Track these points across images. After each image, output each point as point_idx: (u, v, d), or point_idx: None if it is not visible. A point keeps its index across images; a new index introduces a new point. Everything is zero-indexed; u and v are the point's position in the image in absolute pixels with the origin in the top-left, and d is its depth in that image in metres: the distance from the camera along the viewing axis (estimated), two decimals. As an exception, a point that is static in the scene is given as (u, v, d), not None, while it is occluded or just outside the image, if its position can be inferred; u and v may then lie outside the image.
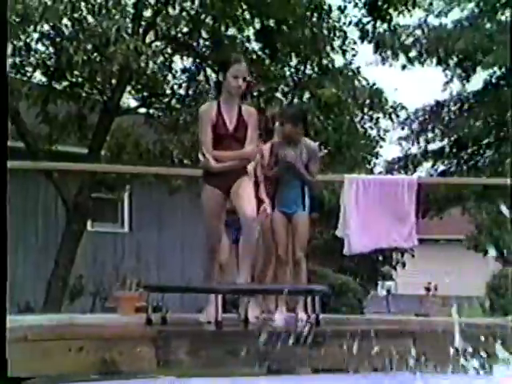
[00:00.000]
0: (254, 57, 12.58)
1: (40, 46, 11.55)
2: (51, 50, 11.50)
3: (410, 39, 18.83)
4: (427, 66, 19.57)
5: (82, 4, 11.05)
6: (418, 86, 28.16)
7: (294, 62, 13.32)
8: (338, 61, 13.49)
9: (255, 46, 12.99)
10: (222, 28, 12.11)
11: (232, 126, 6.11)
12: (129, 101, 13.60)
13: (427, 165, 20.87)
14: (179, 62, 13.11)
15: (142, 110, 13.42)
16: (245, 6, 12.14)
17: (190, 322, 6.44)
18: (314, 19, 12.57)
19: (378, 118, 14.36)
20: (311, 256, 11.34)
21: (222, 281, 6.57)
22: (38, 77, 12.10)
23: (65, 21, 10.87)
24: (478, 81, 19.98)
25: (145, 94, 12.91)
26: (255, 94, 12.19)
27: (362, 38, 14.41)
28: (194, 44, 12.72)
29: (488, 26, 18.72)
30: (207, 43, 12.76)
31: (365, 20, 14.06)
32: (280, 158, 6.76)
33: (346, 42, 13.45)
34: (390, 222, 7.63)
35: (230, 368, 5.22)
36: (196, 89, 12.65)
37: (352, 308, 14.24)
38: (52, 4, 10.32)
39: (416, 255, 21.54)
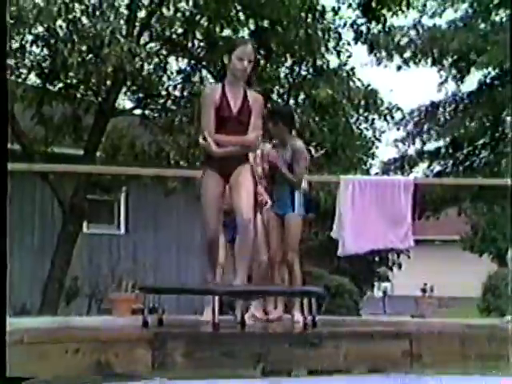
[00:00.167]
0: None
1: (34, 48, 11.55)
2: (46, 51, 11.49)
3: (405, 40, 18.86)
4: (422, 67, 19.63)
5: (76, 5, 11.05)
6: (413, 86, 28.26)
7: (288, 62, 13.34)
8: (333, 62, 13.52)
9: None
10: (217, 29, 12.11)
11: (236, 108, 5.95)
12: (124, 102, 13.62)
13: (423, 165, 20.92)
14: (174, 63, 13.14)
15: (138, 112, 13.42)
16: (239, 7, 12.15)
17: (187, 324, 6.44)
18: (309, 20, 12.57)
19: (373, 119, 14.39)
20: (307, 257, 11.36)
21: (219, 280, 6.58)
22: (33, 79, 12.10)
23: (59, 22, 10.86)
24: (472, 81, 20.04)
25: (140, 95, 12.92)
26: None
27: (357, 39, 14.43)
28: (189, 45, 12.72)
29: (482, 26, 18.76)
30: (202, 44, 12.77)
31: (359, 21, 14.09)
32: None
33: (341, 43, 13.47)
34: (386, 223, 7.63)
35: (226, 370, 5.22)
36: (191, 90, 12.64)
37: (348, 309, 14.27)
38: (46, 6, 10.31)
39: (412, 256, 21.56)
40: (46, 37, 11.17)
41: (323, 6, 12.94)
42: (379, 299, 24.11)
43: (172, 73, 13.09)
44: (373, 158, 16.11)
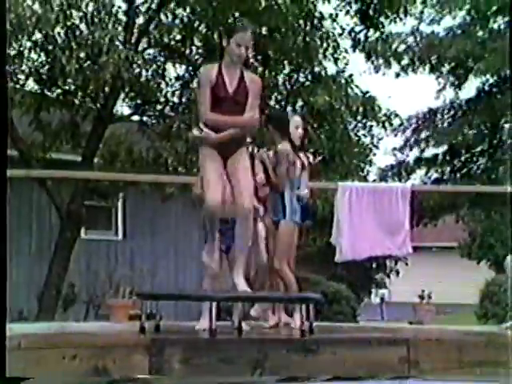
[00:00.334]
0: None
1: (33, 55, 11.56)
2: (44, 58, 11.51)
3: (403, 47, 18.88)
4: (420, 74, 19.64)
5: (74, 13, 11.06)
6: (411, 93, 28.27)
7: (286, 69, 13.35)
8: (331, 69, 13.53)
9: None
10: (215, 36, 12.13)
11: (232, 88, 5.97)
12: (122, 108, 13.61)
13: (421, 172, 20.92)
14: (172, 70, 13.13)
15: (136, 118, 13.43)
16: (237, 14, 12.16)
17: (184, 330, 6.45)
18: (307, 27, 12.59)
19: (371, 126, 14.40)
20: (304, 263, 11.36)
21: (214, 289, 6.57)
22: (31, 85, 12.11)
23: (57, 29, 10.88)
24: (470, 88, 20.06)
25: (138, 101, 12.92)
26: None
27: (354, 47, 14.45)
28: (187, 52, 12.74)
29: (480, 33, 18.77)
30: (200, 51, 12.79)
31: (357, 29, 14.11)
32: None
33: (338, 51, 13.48)
34: (383, 230, 7.64)
35: (223, 376, 5.22)
36: (189, 96, 12.65)
37: (345, 315, 14.25)
38: (44, 13, 10.32)
39: (410, 263, 21.56)
40: (45, 43, 11.18)
41: (321, 14, 12.96)
42: (377, 306, 24.08)
43: (170, 79, 13.10)
44: (370, 165, 16.09)
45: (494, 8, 18.12)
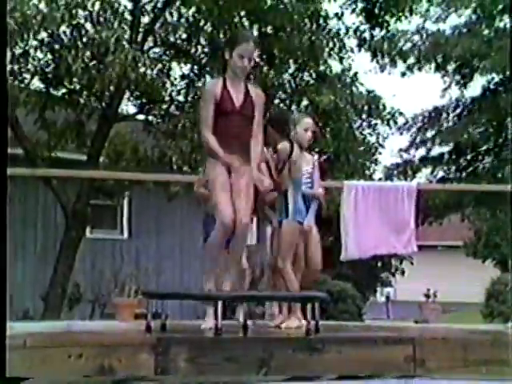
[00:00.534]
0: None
1: (38, 53, 11.57)
2: (49, 57, 11.52)
3: (408, 45, 18.84)
4: (425, 73, 19.61)
5: (80, 12, 11.06)
6: (417, 92, 28.22)
7: (291, 68, 13.34)
8: (336, 68, 13.53)
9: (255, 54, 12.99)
10: (221, 35, 12.13)
11: (239, 102, 5.92)
12: (127, 108, 13.62)
13: (426, 171, 20.89)
14: (177, 69, 13.14)
15: (141, 117, 13.44)
16: (242, 13, 12.16)
17: (190, 329, 6.45)
18: (312, 26, 12.58)
19: (375, 124, 14.38)
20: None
21: (216, 286, 6.58)
22: (36, 84, 12.12)
23: (63, 28, 10.89)
24: (476, 87, 20.03)
25: (143, 100, 12.92)
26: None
27: (360, 46, 14.43)
28: (193, 50, 12.74)
29: (486, 32, 18.74)
30: (205, 50, 12.78)
31: (362, 27, 14.09)
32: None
33: (344, 50, 13.47)
34: (389, 229, 7.64)
35: (228, 375, 5.22)
36: (195, 95, 12.66)
37: (351, 314, 14.24)
38: (50, 12, 10.32)
39: (415, 261, 21.53)
40: (50, 42, 11.20)
41: (326, 13, 12.95)
42: (382, 304, 24.07)
43: (175, 78, 13.11)
44: (376, 164, 16.08)
45: (500, 7, 18.09)
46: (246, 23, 12.37)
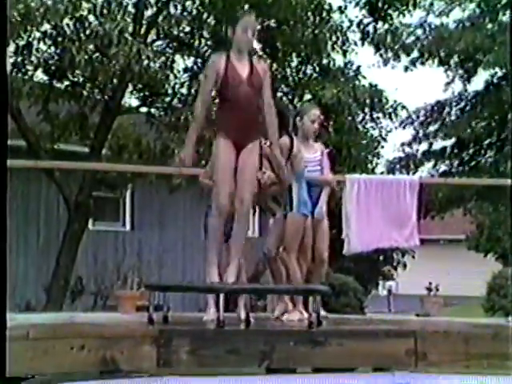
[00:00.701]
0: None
1: (42, 46, 11.56)
2: (53, 49, 11.51)
3: (411, 39, 18.79)
4: (429, 67, 19.56)
5: (84, 4, 11.06)
6: (420, 86, 28.20)
7: (295, 62, 13.33)
8: (339, 61, 13.51)
9: (256, 45, 12.99)
10: (223, 28, 12.11)
11: (245, 73, 5.92)
12: (130, 100, 13.62)
13: (429, 165, 20.84)
14: (181, 62, 13.13)
15: (144, 110, 13.43)
16: (246, 6, 12.14)
17: (192, 321, 6.45)
18: (315, 20, 12.56)
19: (377, 117, 14.36)
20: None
21: (217, 278, 6.58)
22: (40, 76, 12.11)
23: (66, 21, 10.88)
24: (479, 81, 19.98)
25: (146, 93, 12.92)
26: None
27: (363, 39, 14.41)
28: (196, 43, 12.73)
29: (489, 26, 18.68)
30: (209, 43, 12.77)
31: (365, 21, 14.07)
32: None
33: (347, 43, 13.45)
34: (391, 222, 7.63)
35: (230, 367, 5.23)
36: (197, 88, 12.64)
37: (353, 308, 14.24)
38: (53, 4, 10.32)
39: (417, 255, 21.53)
40: (54, 35, 11.18)
41: (330, 6, 12.93)
42: (384, 298, 24.09)
43: (178, 71, 13.10)
44: (378, 158, 16.08)
45: (504, 1, 18.04)
46: (250, 16, 12.33)
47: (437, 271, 27.26)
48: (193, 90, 12.82)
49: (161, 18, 12.45)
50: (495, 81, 19.56)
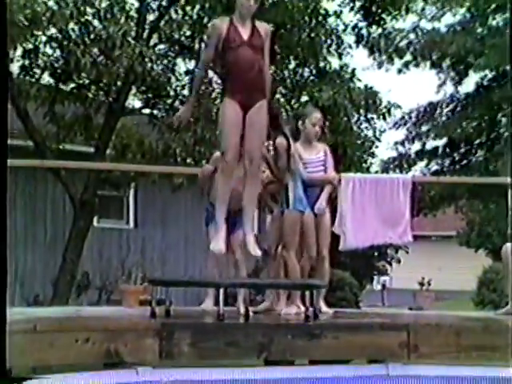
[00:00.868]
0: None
1: (48, 49, 11.58)
2: (59, 52, 11.52)
3: (405, 42, 18.80)
4: (421, 69, 19.57)
5: (88, 9, 11.06)
6: (413, 88, 28.17)
7: (292, 64, 13.32)
8: (335, 64, 13.50)
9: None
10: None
11: (246, 35, 5.91)
12: (133, 102, 13.61)
13: (421, 164, 20.85)
14: (182, 65, 13.13)
15: (146, 111, 13.42)
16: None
17: (193, 315, 6.46)
18: (312, 24, 12.55)
19: (372, 117, 14.35)
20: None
21: (216, 271, 6.60)
22: (46, 78, 12.11)
23: (71, 25, 10.89)
24: (470, 83, 19.99)
25: (149, 95, 12.91)
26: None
27: (358, 43, 14.40)
28: (196, 47, 12.72)
29: (479, 30, 18.71)
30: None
31: (360, 25, 14.06)
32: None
33: (342, 46, 13.45)
34: (385, 220, 7.63)
35: (230, 359, 5.24)
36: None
37: (348, 302, 14.26)
38: (59, 9, 10.33)
39: (410, 251, 21.55)
40: (59, 38, 11.20)
41: (326, 10, 12.92)
42: (378, 292, 24.09)
43: (180, 74, 13.09)
44: (373, 157, 16.08)
45: (493, 6, 18.05)
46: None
47: (429, 266, 27.29)
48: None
49: (163, 22, 12.45)
50: (485, 83, 19.58)
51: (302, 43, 12.44)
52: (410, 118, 20.43)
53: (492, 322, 6.42)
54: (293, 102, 13.20)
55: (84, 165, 10.45)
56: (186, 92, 12.97)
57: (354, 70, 13.80)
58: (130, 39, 10.77)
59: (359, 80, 13.63)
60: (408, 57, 19.03)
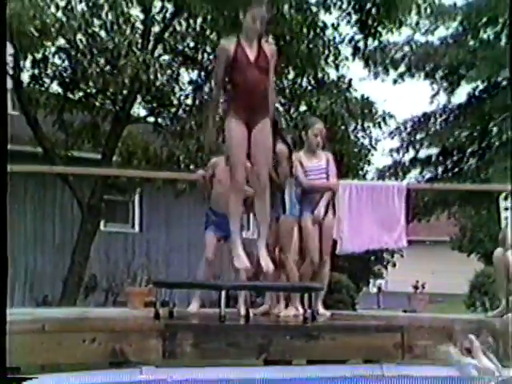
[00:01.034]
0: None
1: (57, 59, 11.60)
2: (67, 62, 11.55)
3: (399, 55, 18.85)
4: (416, 80, 19.61)
5: (95, 21, 11.07)
6: (408, 98, 28.20)
7: (291, 74, 13.31)
8: (332, 74, 13.49)
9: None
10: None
11: (253, 56, 5.90)
12: (139, 110, 13.61)
13: (415, 172, 20.85)
14: (186, 75, 13.13)
15: (151, 119, 13.43)
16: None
17: (195, 317, 6.45)
18: (310, 36, 12.55)
19: (368, 127, 14.34)
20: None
21: (207, 274, 6.60)
22: (55, 87, 12.14)
23: (79, 36, 10.91)
24: (462, 94, 20.01)
25: (153, 104, 12.92)
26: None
27: (354, 54, 14.39)
28: (200, 58, 12.73)
29: (471, 43, 18.75)
30: (211, 57, 12.76)
31: (357, 37, 14.05)
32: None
33: (339, 58, 13.44)
34: (381, 225, 7.63)
35: (231, 359, 5.23)
36: (201, 99, 12.65)
37: (345, 304, 14.23)
38: (67, 20, 10.35)
39: (405, 255, 21.54)
40: (68, 49, 11.22)
41: (323, 23, 12.92)
42: (374, 295, 24.07)
43: (184, 83, 13.10)
44: (369, 165, 16.04)
45: (485, 19, 18.08)
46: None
47: (423, 270, 27.27)
48: (197, 101, 12.82)
49: (167, 34, 12.46)
50: (477, 93, 19.59)
51: (300, 54, 12.43)
52: (405, 127, 20.44)
53: (483, 324, 6.41)
54: (291, 111, 13.18)
55: (91, 171, 10.46)
56: (189, 101, 12.98)
57: (350, 80, 13.79)
58: (135, 50, 10.78)
59: (356, 90, 13.63)
60: (403, 68, 19.07)
